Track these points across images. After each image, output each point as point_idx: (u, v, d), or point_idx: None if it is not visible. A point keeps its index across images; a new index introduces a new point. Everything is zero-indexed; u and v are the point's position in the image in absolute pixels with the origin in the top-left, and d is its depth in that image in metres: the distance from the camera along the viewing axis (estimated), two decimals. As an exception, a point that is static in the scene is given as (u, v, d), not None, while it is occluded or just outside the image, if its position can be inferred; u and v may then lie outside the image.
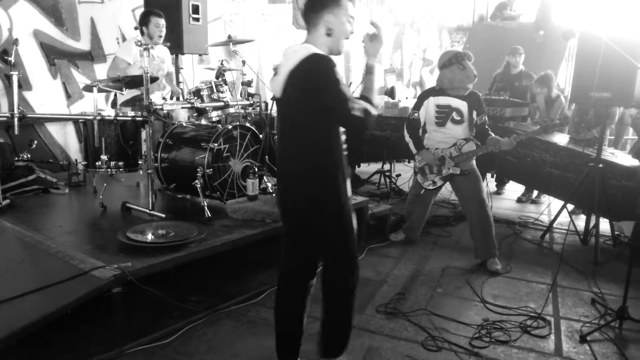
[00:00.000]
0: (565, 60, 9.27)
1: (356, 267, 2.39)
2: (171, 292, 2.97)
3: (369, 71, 2.24)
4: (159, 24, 4.58)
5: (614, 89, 4.20)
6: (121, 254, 2.93)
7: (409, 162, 7.00)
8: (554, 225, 4.92)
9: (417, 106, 4.21)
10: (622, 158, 4.88)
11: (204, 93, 4.34)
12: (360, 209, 4.36)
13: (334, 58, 2.15)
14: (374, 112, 2.15)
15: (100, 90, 3.71)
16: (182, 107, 4.23)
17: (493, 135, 3.98)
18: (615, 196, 4.49)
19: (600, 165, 4.38)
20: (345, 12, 2.19)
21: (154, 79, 3.92)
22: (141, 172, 3.97)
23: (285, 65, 2.15)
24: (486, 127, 4.02)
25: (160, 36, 4.60)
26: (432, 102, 4.14)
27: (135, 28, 4.31)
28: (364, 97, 2.18)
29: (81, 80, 5.11)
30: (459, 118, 4.07)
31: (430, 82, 10.82)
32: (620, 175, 4.56)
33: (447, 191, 5.04)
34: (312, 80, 2.07)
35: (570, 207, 4.95)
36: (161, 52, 4.75)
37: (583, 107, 5.49)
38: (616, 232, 4.71)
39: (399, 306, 3.37)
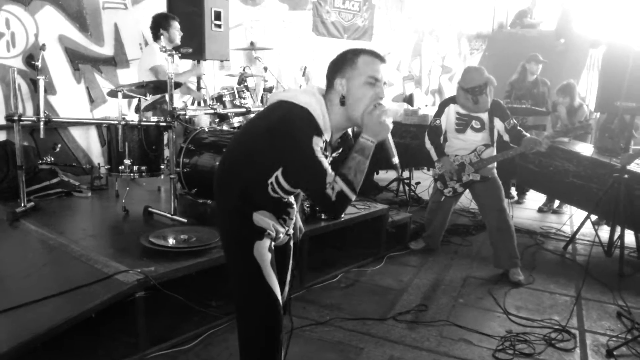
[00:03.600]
0: (587, 69, 9.17)
1: (251, 329, 1.97)
2: (192, 297, 2.97)
3: (359, 150, 1.78)
4: (178, 27, 4.65)
5: (641, 98, 4.16)
6: (144, 258, 2.93)
7: (428, 170, 6.96)
8: (577, 236, 4.85)
9: (439, 113, 4.22)
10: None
11: (226, 99, 4.36)
12: (380, 217, 4.34)
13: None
14: (351, 196, 1.75)
15: (125, 96, 3.73)
16: (205, 113, 4.25)
17: (528, 135, 3.88)
18: (641, 207, 4.40)
19: (626, 176, 4.30)
20: (363, 73, 1.80)
21: (177, 85, 3.94)
22: (163, 177, 3.99)
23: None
24: (519, 128, 3.96)
25: (179, 38, 4.65)
26: (452, 110, 4.14)
27: (158, 34, 4.33)
28: (344, 176, 1.75)
29: (104, 85, 5.17)
30: (478, 126, 4.06)
31: (449, 89, 10.77)
32: (646, 186, 4.47)
33: (467, 200, 4.99)
34: (280, 139, 1.76)
35: (592, 217, 4.88)
36: (176, 58, 4.80)
37: (608, 117, 5.43)
38: (641, 244, 4.63)
39: (420, 316, 3.34)
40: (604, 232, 4.90)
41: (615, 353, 2.93)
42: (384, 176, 6.76)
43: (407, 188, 6.13)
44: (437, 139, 4.20)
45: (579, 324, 3.34)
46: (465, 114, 4.08)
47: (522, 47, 10.19)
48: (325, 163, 1.75)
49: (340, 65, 1.85)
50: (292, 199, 2.02)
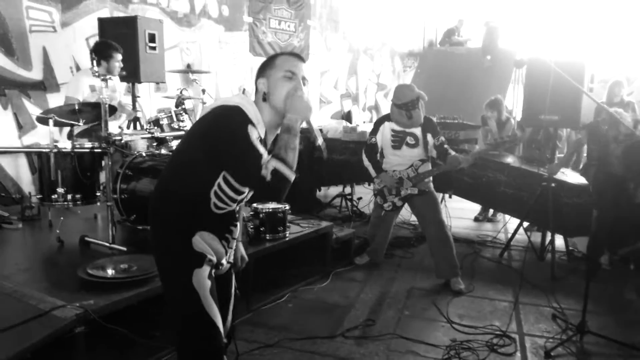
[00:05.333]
0: (512, 84, 9.67)
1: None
2: (135, 328, 2.87)
3: (284, 130, 1.84)
4: (119, 59, 4.53)
5: (562, 112, 4.44)
6: (82, 291, 2.81)
7: (368, 185, 7.09)
8: (511, 242, 5.07)
9: (374, 131, 4.34)
10: (572, 177, 5.11)
11: (164, 122, 4.29)
12: (325, 234, 4.38)
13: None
14: (287, 173, 1.76)
15: (56, 123, 3.60)
16: (142, 137, 4.15)
17: (453, 153, 4.07)
18: (569, 213, 4.68)
19: (553, 184, 4.57)
20: (281, 69, 1.90)
21: (112, 110, 3.84)
22: (99, 204, 3.86)
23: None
24: (445, 146, 4.14)
25: (119, 71, 4.54)
26: (387, 127, 4.27)
27: (96, 60, 4.18)
28: (275, 155, 1.78)
29: (33, 110, 4.95)
30: (413, 142, 4.20)
31: (385, 105, 11.07)
32: (572, 193, 4.76)
33: (407, 212, 5.12)
34: (215, 134, 1.80)
35: (525, 223, 5.12)
36: (113, 81, 4.68)
37: (534, 129, 5.75)
38: (570, 248, 4.90)
39: (368, 331, 3.38)
40: (535, 237, 5.16)
41: (552, 354, 3.07)
42: (327, 193, 6.84)
43: (349, 203, 6.23)
44: (374, 156, 4.31)
45: (518, 328, 3.49)
46: (400, 130, 4.21)
47: (452, 64, 10.68)
48: (261, 148, 1.78)
49: (262, 68, 1.97)
50: (235, 213, 1.99)
